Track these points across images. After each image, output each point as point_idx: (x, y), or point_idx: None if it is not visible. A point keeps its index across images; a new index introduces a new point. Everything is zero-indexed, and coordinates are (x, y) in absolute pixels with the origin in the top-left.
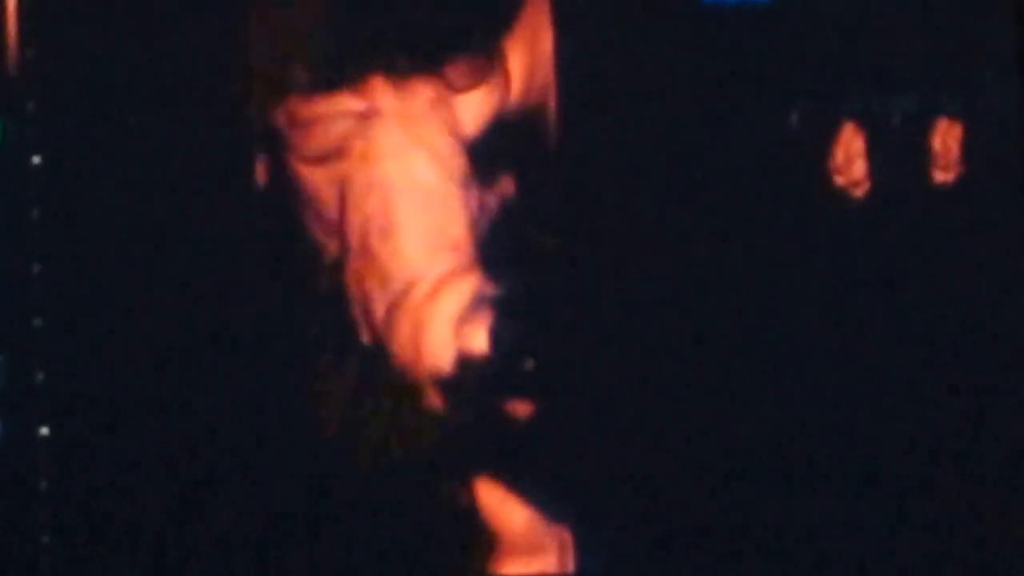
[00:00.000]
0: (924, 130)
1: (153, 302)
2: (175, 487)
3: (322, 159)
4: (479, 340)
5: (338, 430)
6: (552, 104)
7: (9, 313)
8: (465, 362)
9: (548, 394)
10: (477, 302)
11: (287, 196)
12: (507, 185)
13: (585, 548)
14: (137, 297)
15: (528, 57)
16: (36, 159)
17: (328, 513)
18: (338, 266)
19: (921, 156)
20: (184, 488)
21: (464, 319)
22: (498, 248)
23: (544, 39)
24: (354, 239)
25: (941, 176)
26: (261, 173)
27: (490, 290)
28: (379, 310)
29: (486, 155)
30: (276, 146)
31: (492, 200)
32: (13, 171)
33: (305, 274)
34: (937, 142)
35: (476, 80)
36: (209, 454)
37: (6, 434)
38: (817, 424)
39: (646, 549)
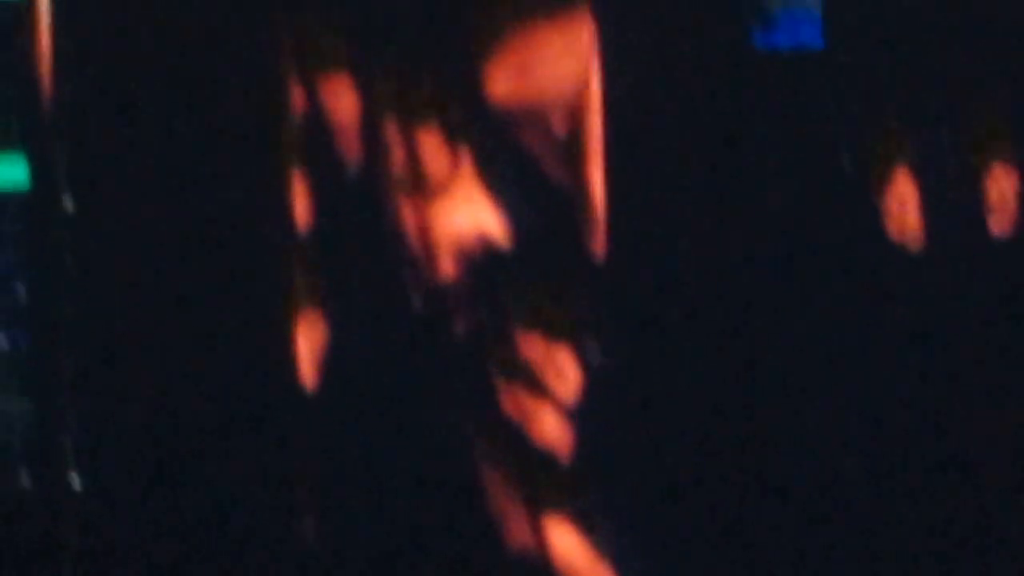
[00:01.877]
0: (979, 176)
1: (187, 351)
2: (209, 549)
3: None
4: None
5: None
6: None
7: (40, 360)
8: None
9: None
10: None
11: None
12: None
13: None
14: (171, 346)
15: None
16: (68, 205)
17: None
18: None
19: (976, 204)
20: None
21: None
22: None
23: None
24: None
25: (996, 222)
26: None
27: None
28: None
29: None
30: None
31: None
32: (45, 217)
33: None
34: (992, 188)
35: None
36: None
37: (35, 486)
38: (869, 476)
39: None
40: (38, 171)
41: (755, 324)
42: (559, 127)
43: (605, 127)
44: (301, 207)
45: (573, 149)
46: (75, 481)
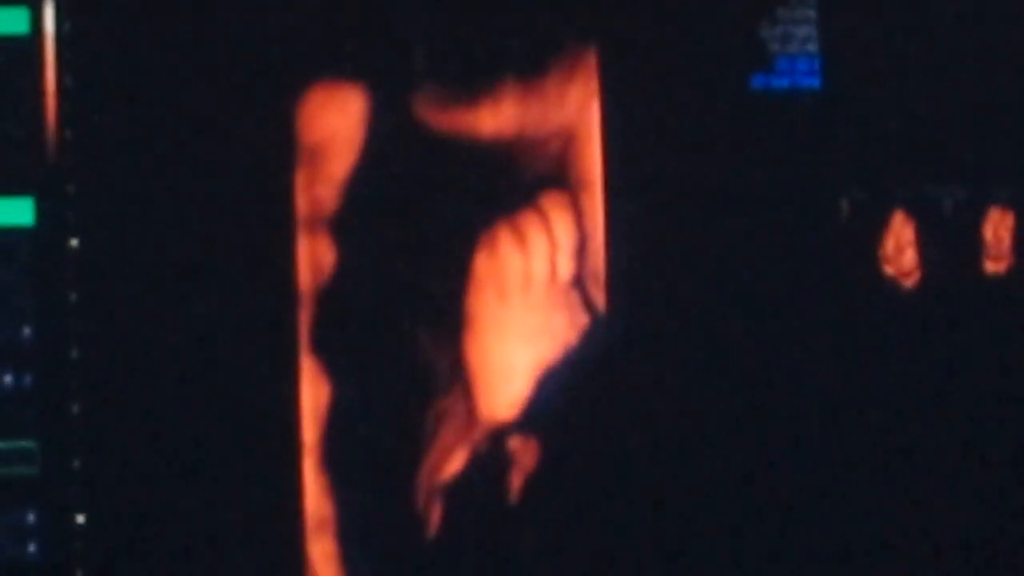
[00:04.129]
0: (975, 219)
1: (195, 392)
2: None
3: None
4: None
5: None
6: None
7: (46, 400)
8: None
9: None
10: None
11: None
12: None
13: None
14: (179, 386)
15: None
16: (74, 242)
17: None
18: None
19: (972, 246)
20: None
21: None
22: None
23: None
24: None
25: (992, 266)
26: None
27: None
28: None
29: None
30: None
31: None
32: (50, 255)
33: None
34: (988, 232)
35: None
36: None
37: (42, 522)
38: (856, 522)
39: None
40: (43, 209)
41: (751, 369)
42: (557, 161)
43: (604, 163)
44: (309, 252)
45: (571, 183)
46: (80, 518)
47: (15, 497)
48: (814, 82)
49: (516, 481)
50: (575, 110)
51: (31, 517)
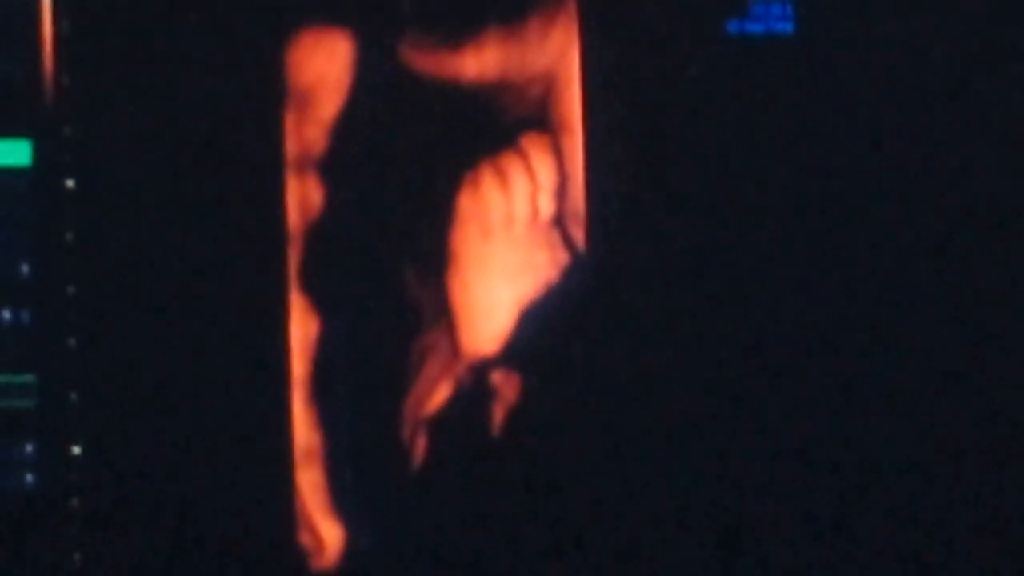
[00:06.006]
0: (949, 160)
1: (188, 326)
2: (209, 506)
3: None
4: None
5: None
6: (577, 134)
7: (43, 335)
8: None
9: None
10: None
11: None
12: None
13: None
14: (172, 321)
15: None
16: (70, 183)
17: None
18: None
19: (946, 186)
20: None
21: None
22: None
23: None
24: None
25: (966, 206)
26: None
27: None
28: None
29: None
30: None
31: None
32: (47, 195)
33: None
34: (962, 172)
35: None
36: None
37: (39, 455)
38: (828, 431)
39: None
40: (40, 150)
41: (729, 305)
42: (539, 104)
43: (584, 105)
44: (298, 192)
45: (552, 125)
46: (77, 449)
47: (14, 429)
48: (787, 27)
49: (498, 414)
50: (556, 54)
51: (29, 449)
